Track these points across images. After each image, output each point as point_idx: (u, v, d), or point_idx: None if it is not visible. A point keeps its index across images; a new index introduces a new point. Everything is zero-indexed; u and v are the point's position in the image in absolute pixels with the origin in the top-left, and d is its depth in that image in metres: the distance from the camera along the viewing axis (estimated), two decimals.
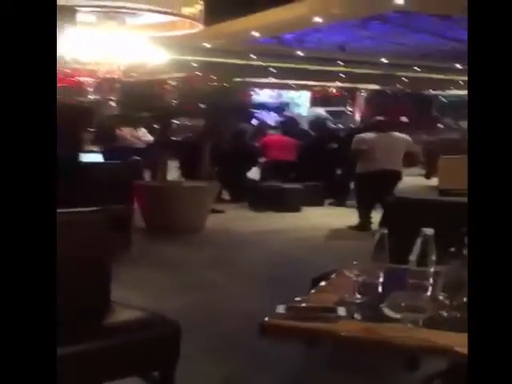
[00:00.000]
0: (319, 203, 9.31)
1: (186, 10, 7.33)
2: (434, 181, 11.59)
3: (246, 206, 9.09)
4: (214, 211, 7.85)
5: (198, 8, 7.37)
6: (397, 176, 7.51)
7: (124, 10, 7.44)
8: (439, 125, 20.80)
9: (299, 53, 14.73)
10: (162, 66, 10.58)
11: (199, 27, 7.91)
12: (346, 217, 8.12)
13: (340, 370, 3.18)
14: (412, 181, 12.69)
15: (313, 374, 3.22)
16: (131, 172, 7.08)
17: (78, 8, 7.38)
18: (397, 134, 7.73)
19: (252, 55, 14.80)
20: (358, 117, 22.78)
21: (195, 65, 15.95)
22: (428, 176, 12.73)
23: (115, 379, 2.53)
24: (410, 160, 7.98)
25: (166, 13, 7.35)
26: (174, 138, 13.14)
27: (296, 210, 8.79)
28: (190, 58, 14.44)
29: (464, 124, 16.53)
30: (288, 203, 8.81)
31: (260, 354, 3.28)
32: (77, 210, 2.97)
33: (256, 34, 10.90)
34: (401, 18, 10.19)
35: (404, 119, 21.58)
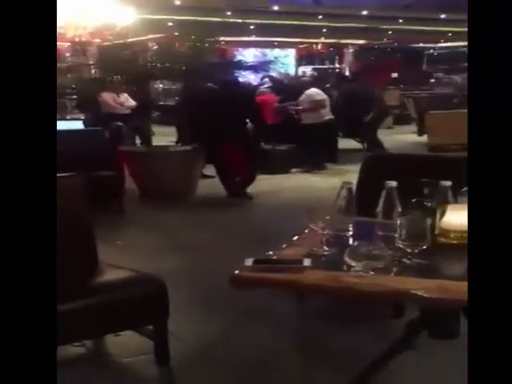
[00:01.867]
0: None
1: None
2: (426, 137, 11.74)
3: None
4: (204, 176, 7.97)
5: None
6: None
7: None
8: (431, 80, 20.78)
9: (275, 7, 14.63)
10: (135, 28, 10.54)
11: None
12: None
13: (329, 320, 3.37)
14: (404, 138, 12.88)
15: (302, 325, 3.43)
16: (115, 138, 7.14)
17: None
18: None
19: (228, 12, 14.71)
20: (347, 73, 22.77)
21: (171, 24, 15.80)
22: (420, 133, 12.85)
23: (110, 333, 2.83)
24: None
25: None
26: (162, 103, 13.09)
27: (284, 172, 8.94)
28: (161, 17, 14.32)
29: (456, 77, 16.53)
30: (276, 165, 8.92)
31: (250, 308, 3.52)
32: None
33: None
34: None
35: (394, 75, 21.61)
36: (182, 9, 13.77)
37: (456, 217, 2.21)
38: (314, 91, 9.56)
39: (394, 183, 2.30)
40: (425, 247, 2.03)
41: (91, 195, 3.03)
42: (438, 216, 2.25)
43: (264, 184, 7.87)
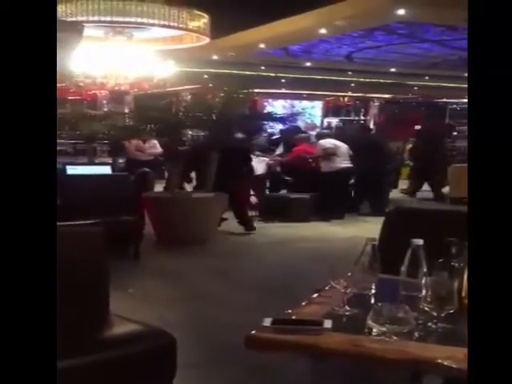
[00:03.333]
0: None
1: (191, 24, 7.41)
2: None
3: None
4: (222, 219, 7.93)
5: (202, 21, 7.45)
6: None
7: (131, 25, 7.53)
8: (454, 133, 20.65)
9: (308, 64, 14.77)
10: (172, 79, 10.67)
11: (206, 40, 7.98)
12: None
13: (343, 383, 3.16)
14: (425, 189, 12.67)
15: None
16: (140, 184, 7.13)
17: (85, 24, 7.46)
18: None
19: (262, 67, 14.87)
20: (372, 125, 22.76)
21: (206, 76, 16.04)
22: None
23: None
24: None
25: (172, 27, 7.44)
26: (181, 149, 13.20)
27: (304, 220, 8.77)
28: (199, 70, 14.55)
29: None
30: (296, 213, 8.79)
31: (262, 367, 3.28)
32: (75, 222, 3.01)
33: (263, 45, 10.96)
34: (404, 28, 10.18)
35: (417, 127, 21.58)
36: (219, 63, 13.96)
37: None
38: (325, 141, 9.58)
39: (420, 241, 2.14)
40: (452, 311, 1.86)
41: (110, 240, 2.91)
42: (465, 277, 2.08)
43: (281, 232, 7.73)
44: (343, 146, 9.62)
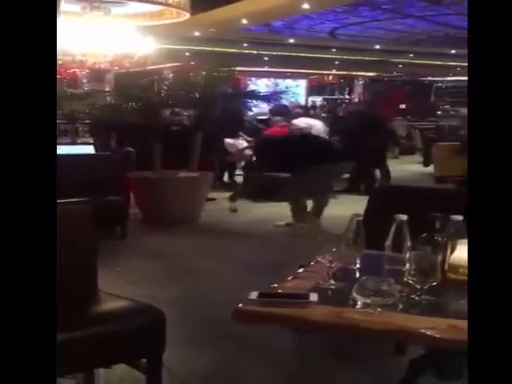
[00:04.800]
0: None
1: None
2: (431, 168, 11.64)
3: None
4: (206, 199, 7.95)
5: None
6: None
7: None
8: (439, 112, 20.74)
9: (291, 40, 14.73)
10: (153, 56, 10.60)
11: (186, 16, 7.92)
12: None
13: (330, 356, 3.24)
14: (410, 168, 12.78)
15: (300, 361, 3.28)
16: (124, 163, 7.12)
17: None
18: None
19: (244, 44, 14.80)
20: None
21: (188, 54, 15.93)
22: (425, 164, 12.76)
23: (103, 367, 2.65)
24: None
25: (151, 1, 7.36)
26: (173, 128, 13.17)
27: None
28: (180, 47, 14.45)
29: (463, 110, 16.51)
30: (279, 192, 8.82)
31: (250, 342, 3.36)
32: (61, 201, 3.02)
33: (245, 21, 10.91)
34: (389, 3, 10.17)
35: (402, 106, 21.65)
36: (200, 40, 13.87)
37: (466, 252, 2.11)
38: (298, 120, 9.51)
39: (404, 217, 2.20)
40: (434, 283, 1.93)
41: (96, 220, 2.94)
42: (448, 251, 2.15)
43: (266, 211, 7.77)
44: (318, 125, 9.59)
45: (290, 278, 2.19)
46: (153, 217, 7.25)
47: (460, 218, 2.22)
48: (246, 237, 6.67)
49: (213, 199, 8.25)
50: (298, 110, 11.47)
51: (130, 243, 6.19)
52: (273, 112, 10.43)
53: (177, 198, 7.18)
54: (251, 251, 5.91)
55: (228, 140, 9.72)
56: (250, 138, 10.06)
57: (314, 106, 21.09)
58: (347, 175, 9.85)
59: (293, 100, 21.69)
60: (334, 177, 7.60)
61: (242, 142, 9.95)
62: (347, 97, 24.80)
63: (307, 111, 14.36)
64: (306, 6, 9.49)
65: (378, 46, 15.94)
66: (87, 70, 12.55)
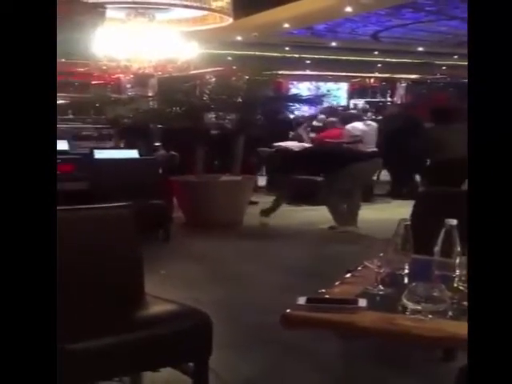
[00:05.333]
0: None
1: (214, 4, 7.38)
2: None
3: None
4: (251, 202, 8.01)
5: (225, 1, 7.42)
6: None
7: (153, 6, 7.53)
8: None
9: (333, 44, 14.67)
10: (196, 61, 10.68)
11: (229, 20, 7.96)
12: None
13: (378, 363, 3.19)
14: None
15: (348, 367, 3.25)
16: (168, 167, 7.22)
17: (106, 5, 7.49)
18: None
19: (286, 48, 14.81)
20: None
21: (230, 58, 16.02)
22: None
23: (150, 370, 2.64)
24: None
25: (194, 7, 7.41)
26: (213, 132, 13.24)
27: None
28: (223, 51, 14.53)
29: None
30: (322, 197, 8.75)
31: (296, 347, 3.34)
32: (105, 205, 3.06)
33: (287, 25, 10.90)
34: (433, 5, 10.02)
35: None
36: (242, 44, 13.92)
37: None
38: (352, 126, 9.42)
39: (454, 221, 2.15)
40: None
41: (140, 224, 2.96)
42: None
43: (310, 215, 7.73)
44: (371, 130, 9.49)
45: (337, 284, 2.16)
46: (195, 220, 7.31)
47: None
48: (288, 240, 6.65)
49: (255, 202, 8.25)
50: (352, 112, 11.28)
51: (174, 246, 6.24)
52: (324, 113, 10.33)
53: (219, 201, 7.22)
54: (295, 255, 5.89)
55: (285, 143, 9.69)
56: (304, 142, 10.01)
57: (355, 109, 20.93)
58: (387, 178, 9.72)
59: (334, 103, 21.60)
60: (362, 177, 7.43)
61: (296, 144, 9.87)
62: (389, 99, 24.56)
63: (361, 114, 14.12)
64: (348, 9, 9.43)
65: (421, 48, 15.74)
66: (131, 76, 12.72)
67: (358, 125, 9.57)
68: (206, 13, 7.97)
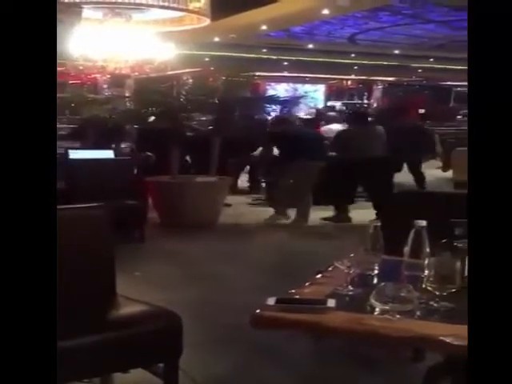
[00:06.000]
0: None
1: (191, 5, 7.36)
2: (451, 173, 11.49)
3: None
4: (225, 205, 7.98)
5: (203, 2, 7.41)
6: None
7: (130, 6, 7.49)
8: (459, 116, 20.51)
9: (310, 46, 14.72)
10: (173, 62, 10.64)
11: (206, 21, 7.95)
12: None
13: (347, 362, 3.21)
14: (429, 173, 12.61)
15: (318, 366, 3.26)
16: (143, 168, 7.18)
17: (83, 5, 7.43)
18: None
19: (264, 49, 14.83)
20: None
21: (207, 59, 15.99)
22: (444, 168, 12.59)
23: (120, 371, 2.62)
24: None
25: (171, 8, 7.38)
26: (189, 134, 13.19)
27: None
28: (200, 52, 14.50)
29: None
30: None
31: (266, 346, 3.34)
32: (78, 206, 3.05)
33: (265, 27, 10.92)
34: (409, 9, 10.13)
35: (421, 111, 21.49)
36: (220, 45, 13.91)
37: None
38: (329, 128, 9.50)
39: (423, 222, 2.17)
40: (454, 290, 1.90)
41: (114, 224, 2.95)
42: (467, 257, 2.12)
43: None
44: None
45: (307, 284, 2.17)
46: (170, 221, 7.27)
47: None
48: (262, 240, 6.67)
49: (229, 205, 8.22)
50: (331, 114, 11.30)
51: (148, 247, 6.22)
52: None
53: (194, 202, 7.20)
54: (267, 254, 5.91)
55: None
56: None
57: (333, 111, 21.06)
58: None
59: (311, 105, 21.69)
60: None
61: None
62: (366, 101, 24.74)
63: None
64: (325, 11, 9.48)
65: (397, 51, 15.86)
66: (108, 76, 12.63)
67: (334, 126, 9.62)
68: (183, 14, 7.94)
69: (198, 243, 6.38)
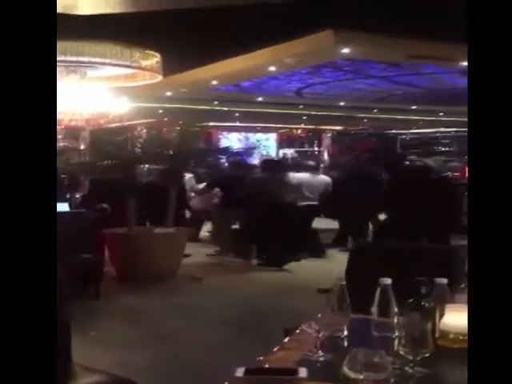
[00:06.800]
0: None
1: (144, 63, 7.41)
2: None
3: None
4: (185, 255, 7.78)
5: (155, 60, 7.49)
6: None
7: (84, 64, 7.44)
8: (406, 162, 20.89)
9: (260, 98, 14.87)
10: (128, 114, 10.55)
11: (158, 78, 7.98)
12: None
13: None
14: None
15: None
16: (99, 220, 6.94)
17: None
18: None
19: (215, 102, 14.91)
20: (326, 156, 23.24)
21: (161, 111, 15.95)
22: None
23: None
24: None
25: (125, 65, 7.38)
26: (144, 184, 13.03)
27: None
28: (154, 105, 14.45)
29: (427, 160, 16.65)
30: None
31: None
32: None
33: (215, 82, 10.99)
34: (350, 65, 10.39)
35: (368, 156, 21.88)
36: (172, 99, 13.91)
37: (455, 318, 1.99)
38: (293, 175, 9.37)
39: (388, 280, 2.08)
40: (427, 354, 1.80)
41: (69, 280, 2.74)
42: (437, 317, 2.03)
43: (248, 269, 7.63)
44: (316, 181, 9.42)
45: (276, 349, 2.04)
46: (127, 274, 7.04)
47: (444, 281, 2.12)
48: (223, 293, 6.46)
49: (188, 255, 8.04)
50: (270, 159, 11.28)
51: (104, 304, 5.95)
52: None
53: (152, 254, 7.00)
54: (228, 308, 5.70)
55: None
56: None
57: (285, 158, 21.29)
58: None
59: (264, 153, 21.83)
60: None
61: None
62: (316, 149, 25.09)
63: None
64: (272, 68, 9.62)
65: (342, 103, 16.16)
66: (62, 127, 12.43)
67: (298, 175, 9.44)
68: (135, 71, 7.94)
69: (155, 297, 6.14)
